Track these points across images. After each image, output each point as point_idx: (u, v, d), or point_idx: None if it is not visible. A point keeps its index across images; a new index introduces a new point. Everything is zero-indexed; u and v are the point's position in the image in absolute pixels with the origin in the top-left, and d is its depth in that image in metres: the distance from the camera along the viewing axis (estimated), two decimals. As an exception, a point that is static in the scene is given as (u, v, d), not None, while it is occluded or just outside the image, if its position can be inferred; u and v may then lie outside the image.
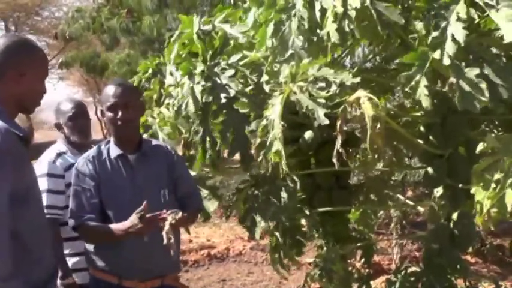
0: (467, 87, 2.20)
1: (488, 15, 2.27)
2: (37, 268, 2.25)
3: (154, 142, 3.16)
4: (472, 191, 2.24)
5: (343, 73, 2.49)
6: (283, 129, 2.53)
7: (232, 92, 2.94)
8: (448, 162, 2.80)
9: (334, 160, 2.52)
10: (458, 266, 2.92)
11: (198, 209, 3.18)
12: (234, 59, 3.06)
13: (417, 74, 2.35)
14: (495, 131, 3.01)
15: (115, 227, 2.79)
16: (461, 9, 2.25)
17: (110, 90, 2.92)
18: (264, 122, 2.62)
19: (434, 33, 2.31)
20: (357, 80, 2.47)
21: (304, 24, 2.62)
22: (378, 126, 2.33)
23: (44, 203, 3.26)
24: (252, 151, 2.70)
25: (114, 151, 2.99)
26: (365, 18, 2.43)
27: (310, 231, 3.43)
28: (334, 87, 2.56)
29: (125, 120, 2.89)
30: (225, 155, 3.23)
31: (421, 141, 2.88)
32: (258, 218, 3.10)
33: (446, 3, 2.33)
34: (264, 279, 7.04)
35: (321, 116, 2.41)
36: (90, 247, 3.00)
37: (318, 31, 2.65)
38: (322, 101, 2.46)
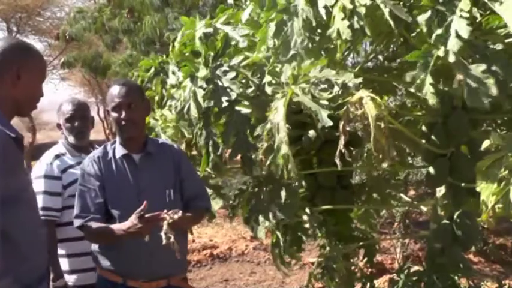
0: (473, 84, 2.20)
1: (489, 13, 2.27)
2: (28, 268, 2.24)
3: (161, 141, 3.16)
4: (478, 189, 2.24)
5: (345, 74, 2.49)
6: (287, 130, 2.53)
7: (233, 95, 2.95)
8: (451, 161, 2.80)
9: (337, 160, 2.52)
10: (461, 265, 2.93)
11: (205, 209, 3.17)
12: (235, 61, 3.06)
13: (422, 72, 2.34)
14: (498, 130, 3.01)
15: (116, 227, 2.79)
16: (464, 5, 2.25)
17: (114, 90, 2.93)
18: (269, 125, 2.62)
19: (438, 31, 2.31)
20: (359, 80, 2.47)
21: (307, 23, 2.62)
22: (382, 125, 2.33)
23: (40, 205, 3.28)
24: (260, 156, 2.70)
25: (119, 151, 2.99)
26: (370, 15, 2.43)
27: (312, 230, 3.43)
28: (336, 88, 2.56)
29: (129, 120, 2.89)
30: (227, 155, 3.23)
31: (423, 141, 2.88)
32: (261, 218, 3.10)
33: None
34: (267, 278, 7.04)
35: (324, 117, 2.41)
36: (95, 247, 3.01)
37: (319, 30, 2.65)
38: (325, 102, 2.46)
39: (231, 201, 3.44)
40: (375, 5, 2.37)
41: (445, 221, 2.92)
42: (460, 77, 2.23)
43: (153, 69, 3.93)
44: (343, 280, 3.51)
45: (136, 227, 2.66)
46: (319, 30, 2.65)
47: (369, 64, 3.60)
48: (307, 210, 3.34)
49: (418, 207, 4.24)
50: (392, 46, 3.35)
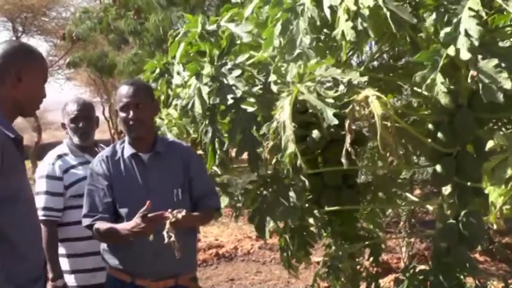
0: (486, 80, 2.20)
1: (496, 12, 2.27)
2: (25, 269, 2.25)
3: (170, 140, 3.16)
4: (486, 190, 2.23)
5: (350, 72, 2.49)
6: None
7: (239, 93, 2.95)
8: (456, 160, 2.80)
9: (343, 159, 2.52)
10: (467, 265, 2.92)
11: (214, 208, 3.16)
12: (241, 59, 3.06)
13: (432, 71, 2.34)
14: (503, 129, 3.00)
15: (120, 226, 2.80)
16: (474, 4, 2.24)
17: (123, 90, 2.93)
18: (275, 124, 2.62)
19: (447, 29, 2.31)
20: (365, 79, 2.47)
21: (312, 23, 2.62)
22: (388, 124, 2.33)
23: (42, 205, 3.29)
24: (266, 154, 2.70)
25: (128, 150, 3.00)
26: (375, 16, 2.43)
27: (318, 230, 3.43)
28: (342, 87, 2.56)
29: (137, 119, 2.89)
30: (233, 154, 3.23)
31: (429, 140, 2.87)
32: (267, 218, 3.10)
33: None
34: (273, 278, 7.04)
35: (329, 116, 2.41)
36: (104, 246, 3.02)
37: (326, 30, 2.65)
38: (331, 101, 2.46)
39: (236, 199, 3.44)
40: (378, 5, 2.37)
41: (451, 220, 2.91)
42: (473, 73, 2.23)
43: (158, 70, 3.94)
44: (349, 279, 3.51)
45: (139, 226, 2.66)
46: (325, 30, 2.65)
47: (375, 63, 3.60)
48: (313, 210, 3.33)
49: (424, 206, 4.23)
50: (397, 45, 3.35)
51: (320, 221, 3.32)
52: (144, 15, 10.79)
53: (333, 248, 3.57)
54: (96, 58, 14.76)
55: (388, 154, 2.41)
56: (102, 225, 2.87)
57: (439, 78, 2.31)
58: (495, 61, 2.20)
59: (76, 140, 3.57)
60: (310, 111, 2.54)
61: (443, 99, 2.31)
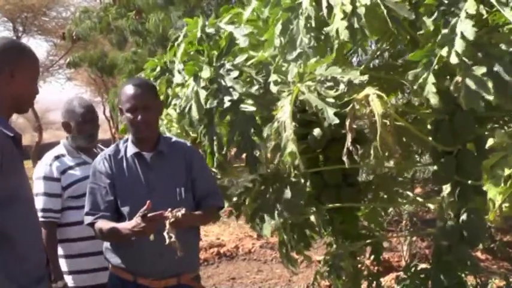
0: (473, 86, 2.20)
1: (497, 10, 2.27)
2: (26, 268, 2.24)
3: (173, 140, 3.15)
4: (485, 188, 2.23)
5: (351, 71, 2.49)
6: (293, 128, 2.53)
7: (236, 95, 2.95)
8: (457, 159, 2.80)
9: (344, 158, 2.52)
10: (468, 263, 2.92)
11: (217, 207, 3.16)
12: (239, 59, 3.06)
13: (424, 71, 2.35)
14: (505, 127, 3.00)
15: (122, 226, 2.80)
16: (470, 6, 2.24)
17: (130, 90, 2.91)
18: (275, 124, 2.62)
19: (444, 31, 2.31)
20: (365, 77, 2.47)
21: (311, 22, 2.62)
22: (388, 123, 2.33)
23: (40, 206, 3.29)
24: (268, 154, 2.71)
25: (131, 149, 3.00)
26: (374, 14, 2.42)
27: (319, 228, 3.43)
28: (342, 86, 2.56)
29: (145, 121, 2.89)
30: (232, 153, 3.23)
31: (429, 138, 2.87)
32: (267, 217, 3.10)
33: (456, -1, 2.33)
34: (274, 277, 7.04)
35: (330, 115, 2.42)
36: (107, 244, 3.02)
37: (325, 29, 2.65)
38: (331, 100, 2.46)
39: (235, 198, 3.43)
40: (376, 2, 2.37)
41: (452, 219, 2.92)
42: (458, 79, 2.23)
43: (158, 69, 3.93)
44: (350, 278, 3.51)
45: (140, 226, 2.66)
46: (325, 29, 2.65)
47: (375, 62, 3.60)
48: (314, 209, 3.34)
49: (425, 205, 4.23)
50: (398, 44, 3.34)
51: (321, 217, 3.32)
52: (146, 16, 10.80)
53: (334, 246, 3.57)
54: (96, 58, 14.75)
55: (387, 153, 2.41)
56: (104, 224, 2.87)
57: (431, 78, 2.31)
58: (484, 69, 2.20)
59: (82, 142, 3.56)
60: (313, 110, 2.54)
61: (433, 100, 2.31)
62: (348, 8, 2.44)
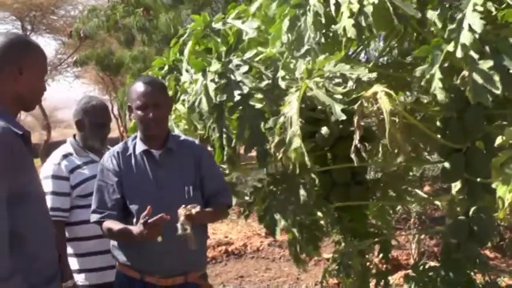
0: (480, 80, 2.19)
1: (505, 7, 2.25)
2: (38, 267, 2.23)
3: (182, 137, 3.15)
4: (493, 185, 2.22)
5: (359, 68, 2.48)
6: (300, 126, 2.53)
7: (246, 89, 2.94)
8: (466, 156, 2.79)
9: (353, 156, 2.51)
10: (477, 261, 2.91)
11: (226, 205, 3.15)
12: (248, 55, 3.06)
13: (432, 67, 2.33)
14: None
15: (127, 230, 2.79)
16: (478, 0, 2.23)
17: (140, 88, 2.91)
18: (282, 119, 2.61)
19: (450, 26, 2.30)
20: (374, 75, 2.46)
21: (321, 19, 2.62)
22: (397, 121, 2.32)
23: (48, 205, 3.26)
24: (272, 149, 2.70)
25: (140, 147, 2.99)
26: (381, 12, 2.42)
27: (328, 227, 3.42)
28: (350, 83, 2.56)
29: (156, 119, 2.89)
30: (241, 151, 3.22)
31: (438, 136, 2.86)
32: (277, 216, 3.09)
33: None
34: (282, 275, 7.04)
35: (338, 111, 2.41)
36: (114, 242, 3.02)
37: (333, 27, 2.64)
38: (339, 96, 2.46)
39: (246, 198, 3.43)
40: (383, 1, 2.36)
41: (460, 217, 2.90)
42: (465, 73, 2.22)
43: (166, 67, 3.93)
44: (359, 276, 3.50)
45: (144, 233, 2.65)
46: (333, 27, 2.65)
47: (383, 59, 3.59)
48: (323, 209, 3.33)
49: (434, 202, 4.21)
50: (406, 41, 3.33)
51: (329, 215, 3.31)
52: (154, 13, 10.81)
53: (343, 244, 3.57)
54: (102, 56, 14.78)
55: (396, 150, 2.41)
56: (113, 224, 2.87)
57: (438, 74, 2.30)
58: (491, 62, 2.19)
59: (94, 143, 3.55)
60: (319, 107, 2.54)
61: (440, 96, 2.30)
62: (355, 7, 2.43)
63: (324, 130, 3.18)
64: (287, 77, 2.78)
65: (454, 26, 2.28)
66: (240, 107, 2.99)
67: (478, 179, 2.78)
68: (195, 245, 2.62)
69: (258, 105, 2.94)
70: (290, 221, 3.07)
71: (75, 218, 3.43)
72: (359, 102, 2.44)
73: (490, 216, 2.81)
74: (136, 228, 2.70)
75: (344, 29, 2.48)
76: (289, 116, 2.56)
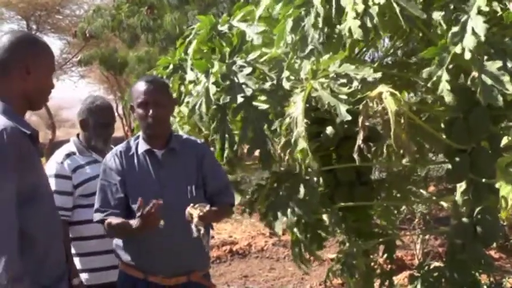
0: (489, 81, 2.19)
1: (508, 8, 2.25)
2: (47, 267, 2.24)
3: (185, 137, 3.15)
4: (497, 185, 2.22)
5: (364, 69, 2.48)
6: (305, 126, 2.53)
7: (249, 91, 2.94)
8: (471, 157, 2.78)
9: (355, 155, 2.51)
10: (482, 262, 2.91)
11: (229, 204, 3.15)
12: (252, 56, 3.06)
13: (438, 68, 2.33)
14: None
15: (126, 224, 2.78)
16: (482, 2, 2.22)
17: (141, 86, 2.91)
18: (287, 120, 2.61)
19: (454, 28, 2.29)
20: (379, 75, 2.45)
21: (320, 20, 2.62)
22: (402, 121, 2.32)
23: None
24: (278, 150, 2.70)
25: (142, 146, 2.99)
26: (387, 12, 2.42)
27: (332, 227, 3.42)
28: (355, 83, 2.55)
29: (156, 117, 2.88)
30: (245, 150, 3.22)
31: (443, 136, 2.86)
32: (279, 214, 3.09)
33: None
34: (286, 275, 7.04)
35: (343, 112, 2.41)
36: (118, 241, 3.01)
37: (338, 27, 2.64)
38: (344, 97, 2.46)
39: (248, 196, 3.43)
40: (389, 1, 2.36)
41: (465, 217, 2.90)
42: (475, 74, 2.22)
43: (171, 67, 3.93)
44: (363, 276, 3.50)
45: (142, 226, 2.65)
46: (338, 27, 2.65)
47: (388, 59, 3.59)
48: (328, 208, 3.33)
49: (439, 203, 4.21)
50: (411, 41, 3.33)
51: (334, 215, 3.31)
52: (158, 12, 10.81)
53: (347, 244, 3.57)
54: (106, 56, 14.79)
55: (401, 151, 2.40)
56: (113, 220, 2.87)
57: (445, 75, 2.30)
58: (499, 63, 2.18)
59: (98, 144, 3.55)
60: (325, 107, 2.53)
61: (447, 97, 2.30)
62: (360, 8, 2.43)
63: (329, 130, 3.18)
64: (292, 77, 2.78)
65: (457, 29, 2.28)
66: (244, 109, 2.99)
67: (483, 180, 2.77)
68: (208, 245, 2.62)
69: (262, 106, 2.94)
70: (293, 219, 3.07)
71: (78, 217, 3.43)
72: (364, 102, 2.44)
73: (495, 216, 2.80)
74: (135, 222, 2.69)
75: (349, 30, 2.47)
76: (295, 117, 2.56)
